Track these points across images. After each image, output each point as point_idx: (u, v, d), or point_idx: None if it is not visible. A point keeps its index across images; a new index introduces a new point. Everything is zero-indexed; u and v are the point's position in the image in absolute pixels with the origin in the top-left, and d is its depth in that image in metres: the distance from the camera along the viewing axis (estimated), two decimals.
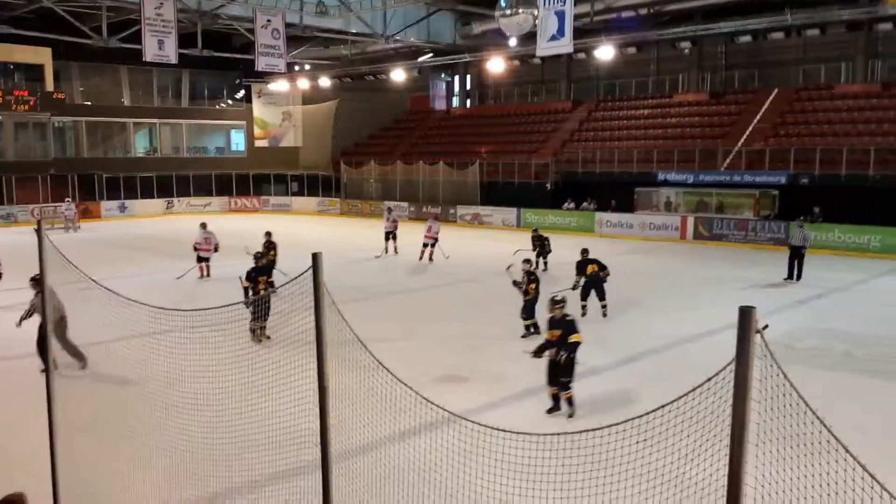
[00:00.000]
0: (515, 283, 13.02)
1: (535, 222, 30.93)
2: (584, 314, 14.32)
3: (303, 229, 33.20)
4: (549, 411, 9.20)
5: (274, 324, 12.17)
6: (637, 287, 18.64)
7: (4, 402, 9.86)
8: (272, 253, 17.22)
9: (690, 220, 28.58)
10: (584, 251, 15.54)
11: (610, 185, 31.41)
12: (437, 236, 22.76)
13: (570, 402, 9.12)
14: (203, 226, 20.26)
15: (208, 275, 19.50)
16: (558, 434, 3.71)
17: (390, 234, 24.04)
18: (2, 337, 11.79)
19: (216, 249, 19.56)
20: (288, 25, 29.09)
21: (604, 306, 14.77)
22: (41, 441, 6.37)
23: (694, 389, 2.65)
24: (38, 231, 5.44)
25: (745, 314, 2.39)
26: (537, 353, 9.69)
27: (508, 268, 13.74)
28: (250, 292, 13.16)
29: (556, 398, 9.19)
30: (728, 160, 29.74)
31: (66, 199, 34.50)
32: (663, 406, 2.80)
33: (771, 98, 32.19)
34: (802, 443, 3.14)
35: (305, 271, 3.76)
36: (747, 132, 30.78)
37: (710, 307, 15.79)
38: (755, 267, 21.39)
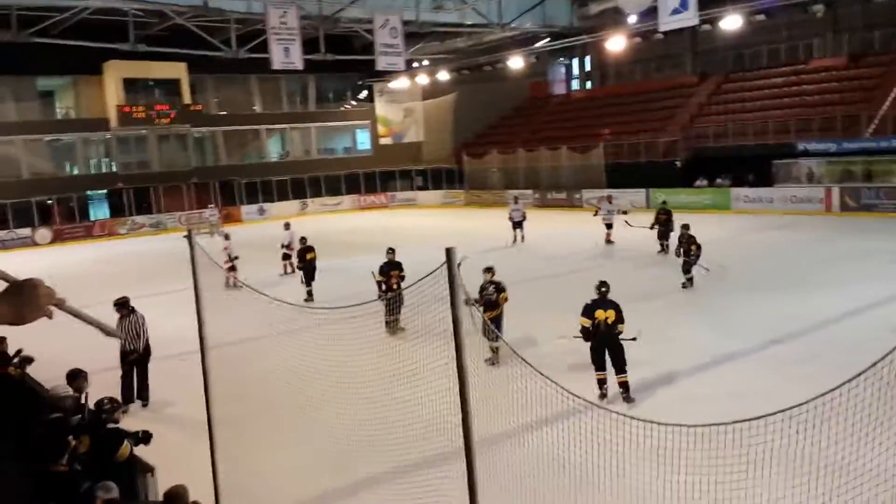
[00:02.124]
0: (469, 302, 11.39)
1: (667, 202, 29.96)
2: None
3: (429, 222, 33.70)
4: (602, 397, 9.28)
5: (407, 315, 12.43)
6: (781, 264, 17.78)
7: (164, 398, 10.55)
8: (308, 256, 17.21)
9: (836, 191, 26.87)
10: (685, 226, 15.73)
11: (745, 159, 29.88)
12: (610, 218, 22.37)
13: (625, 387, 9.24)
14: (287, 226, 20.73)
15: (293, 270, 19.80)
16: (706, 425, 3.58)
17: (518, 223, 23.97)
18: (163, 335, 12.58)
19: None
20: (405, 23, 29.54)
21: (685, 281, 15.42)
22: (200, 434, 6.77)
23: (858, 375, 2.48)
24: (189, 238, 5.78)
25: None
26: (577, 335, 9.57)
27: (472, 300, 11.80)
28: (383, 286, 13.47)
29: (600, 382, 9.33)
30: (873, 126, 27.73)
31: (210, 206, 36.46)
32: (822, 395, 2.64)
33: None
34: None
35: (441, 266, 3.81)
36: (893, 95, 28.56)
37: (861, 283, 14.79)
38: None
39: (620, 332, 9.21)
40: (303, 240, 17.86)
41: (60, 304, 2.12)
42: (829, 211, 26.74)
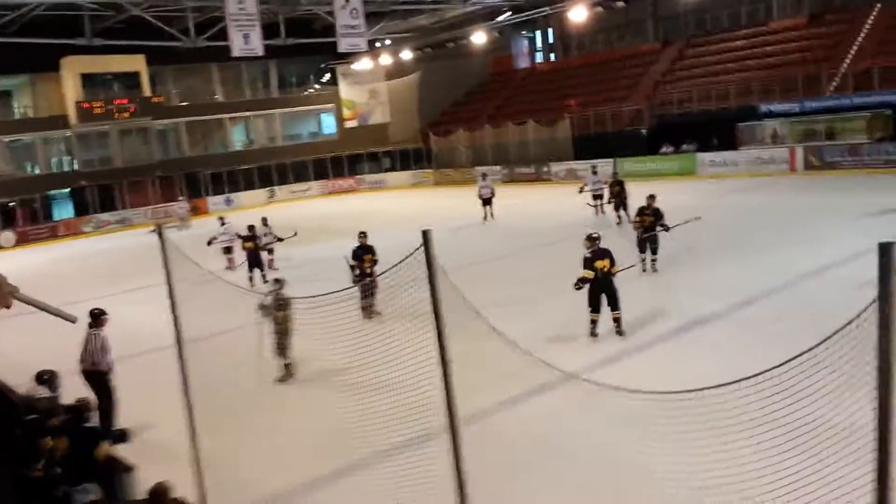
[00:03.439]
0: (263, 307, 9.72)
1: (634, 170, 30.18)
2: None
3: (399, 204, 33.60)
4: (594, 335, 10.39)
5: (383, 299, 12.39)
6: (747, 225, 18.00)
7: (144, 392, 10.41)
8: (245, 245, 17.64)
9: (799, 151, 27.19)
10: (650, 197, 14.20)
11: (709, 124, 30.10)
12: (599, 190, 21.62)
13: (619, 322, 10.40)
14: (222, 221, 20.38)
15: (232, 265, 19.32)
16: (684, 391, 3.61)
17: (487, 200, 23.95)
18: (136, 331, 12.44)
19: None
20: (366, 3, 29.22)
21: (653, 260, 14.06)
22: (179, 428, 6.71)
23: (833, 335, 2.50)
24: (160, 234, 5.69)
25: (886, 251, 2.22)
26: (579, 285, 10.34)
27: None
28: (357, 270, 13.39)
29: (595, 323, 10.38)
30: (834, 84, 28.05)
31: (180, 198, 35.93)
32: (801, 354, 2.67)
33: (874, 14, 30.04)
34: None
35: (418, 249, 3.78)
36: (852, 53, 28.89)
37: (827, 240, 15.03)
38: (872, 193, 20.20)
39: (615, 274, 10.41)
40: (249, 227, 17.98)
41: (15, 293, 2.09)
42: (794, 171, 27.08)
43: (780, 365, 2.86)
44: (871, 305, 2.30)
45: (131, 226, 37.00)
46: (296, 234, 18.67)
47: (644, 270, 13.71)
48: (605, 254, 10.37)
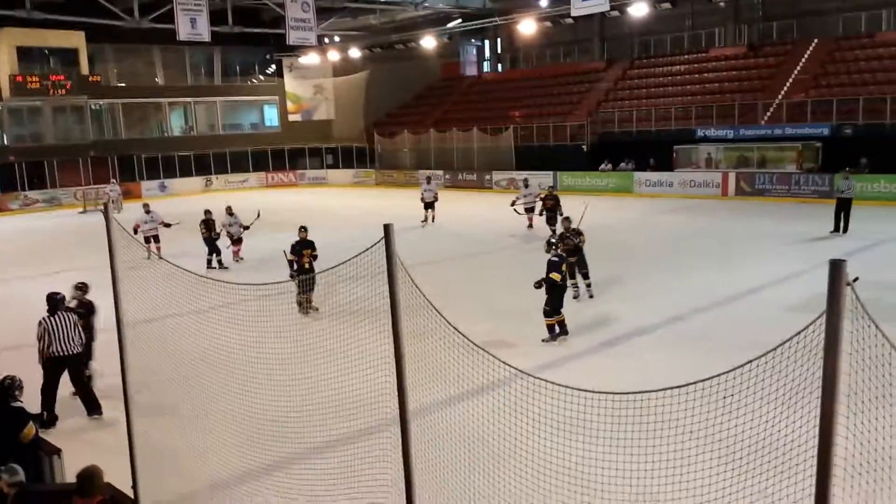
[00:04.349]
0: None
1: (573, 185, 30.79)
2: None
3: (339, 201, 33.41)
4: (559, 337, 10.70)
5: (320, 295, 12.35)
6: (679, 245, 18.53)
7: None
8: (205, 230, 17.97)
9: (732, 176, 28.14)
10: (566, 219, 13.75)
11: (648, 144, 30.95)
12: (531, 202, 21.59)
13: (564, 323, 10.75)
14: (146, 208, 19.65)
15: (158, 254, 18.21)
16: (630, 392, 3.73)
17: (430, 204, 23.98)
18: None
19: (168, 225, 19.15)
20: None
21: (588, 285, 13.35)
22: (113, 416, 6.57)
23: (783, 344, 2.65)
24: (106, 214, 5.57)
25: (837, 267, 2.38)
26: (539, 284, 10.61)
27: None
28: (295, 265, 13.32)
29: (552, 328, 10.68)
30: (768, 114, 29.14)
31: (112, 181, 34.91)
32: (750, 361, 2.80)
33: (811, 49, 31.38)
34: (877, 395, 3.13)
35: (378, 242, 3.81)
36: (787, 84, 30.10)
37: (755, 263, 15.61)
38: (800, 221, 21.06)
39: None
40: (206, 212, 18.31)
41: None
42: (726, 195, 27.99)
43: (725, 373, 3.00)
44: (819, 319, 2.45)
45: (59, 206, 35.80)
46: (259, 215, 18.23)
47: (576, 297, 12.92)
48: (564, 259, 10.86)
